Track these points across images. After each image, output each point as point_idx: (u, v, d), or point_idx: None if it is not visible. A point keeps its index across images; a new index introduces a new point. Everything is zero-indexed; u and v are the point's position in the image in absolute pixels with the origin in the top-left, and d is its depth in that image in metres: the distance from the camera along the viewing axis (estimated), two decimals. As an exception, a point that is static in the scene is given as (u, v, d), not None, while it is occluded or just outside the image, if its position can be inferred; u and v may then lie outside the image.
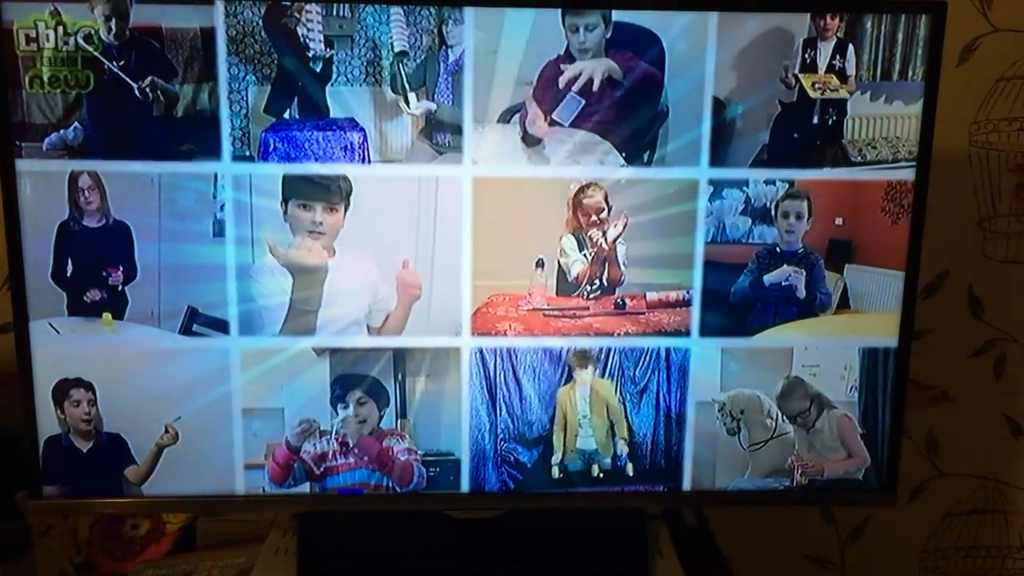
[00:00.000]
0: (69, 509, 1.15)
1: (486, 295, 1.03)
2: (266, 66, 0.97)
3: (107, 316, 1.01)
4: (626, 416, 1.08)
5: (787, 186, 1.03)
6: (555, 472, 1.09)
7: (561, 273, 1.04)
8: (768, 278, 1.04)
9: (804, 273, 1.04)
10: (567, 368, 1.06)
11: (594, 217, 1.02)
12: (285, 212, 1.00)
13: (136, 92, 0.96)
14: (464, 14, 0.97)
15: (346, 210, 1.00)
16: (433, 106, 0.99)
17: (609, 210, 1.02)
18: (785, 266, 1.04)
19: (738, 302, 1.05)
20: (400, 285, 1.03)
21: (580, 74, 0.99)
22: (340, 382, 1.05)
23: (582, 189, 1.02)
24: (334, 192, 1.00)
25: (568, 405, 1.07)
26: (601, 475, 1.09)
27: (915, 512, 1.52)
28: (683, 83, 1.00)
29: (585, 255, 1.03)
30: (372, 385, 1.05)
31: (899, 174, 1.03)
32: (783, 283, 1.04)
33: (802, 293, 1.04)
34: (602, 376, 1.07)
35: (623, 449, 1.08)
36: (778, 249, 1.04)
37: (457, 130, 0.99)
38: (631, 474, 1.09)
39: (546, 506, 1.11)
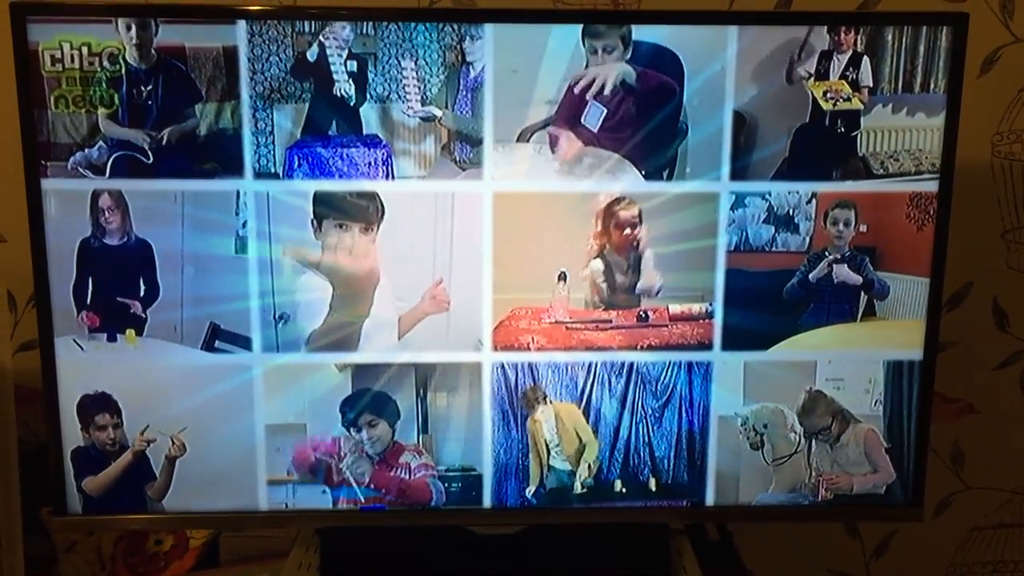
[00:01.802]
0: (93, 525, 1.15)
1: (508, 308, 1.03)
2: (290, 84, 0.98)
3: (130, 333, 1.02)
4: (603, 437, 1.08)
5: (810, 195, 1.03)
6: (578, 487, 1.08)
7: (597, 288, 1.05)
8: (813, 275, 1.05)
9: (845, 263, 1.05)
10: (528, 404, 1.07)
11: (627, 231, 1.02)
12: (319, 229, 1.00)
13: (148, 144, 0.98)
14: (483, 31, 0.97)
15: (378, 229, 1.01)
16: (438, 112, 0.99)
17: (641, 224, 1.02)
18: (824, 262, 1.05)
19: (791, 301, 1.05)
20: (433, 301, 1.03)
21: (594, 80, 0.99)
22: (349, 403, 1.05)
23: (616, 201, 1.02)
24: (372, 212, 1.00)
25: (537, 435, 1.07)
26: (624, 490, 1.09)
27: (941, 526, 1.50)
28: (703, 99, 0.99)
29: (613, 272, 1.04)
30: (382, 403, 1.05)
31: (922, 186, 1.03)
32: (825, 275, 1.05)
33: (856, 280, 1.05)
34: (564, 399, 1.07)
35: (588, 472, 1.08)
36: (827, 253, 1.05)
37: (478, 146, 1.00)
38: (654, 489, 1.09)
39: (568, 521, 1.11)
